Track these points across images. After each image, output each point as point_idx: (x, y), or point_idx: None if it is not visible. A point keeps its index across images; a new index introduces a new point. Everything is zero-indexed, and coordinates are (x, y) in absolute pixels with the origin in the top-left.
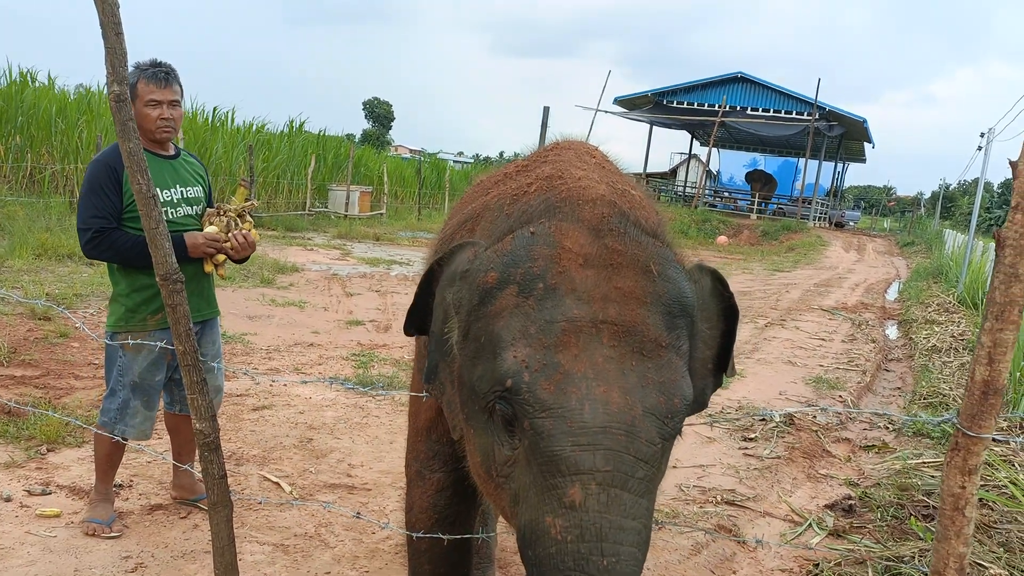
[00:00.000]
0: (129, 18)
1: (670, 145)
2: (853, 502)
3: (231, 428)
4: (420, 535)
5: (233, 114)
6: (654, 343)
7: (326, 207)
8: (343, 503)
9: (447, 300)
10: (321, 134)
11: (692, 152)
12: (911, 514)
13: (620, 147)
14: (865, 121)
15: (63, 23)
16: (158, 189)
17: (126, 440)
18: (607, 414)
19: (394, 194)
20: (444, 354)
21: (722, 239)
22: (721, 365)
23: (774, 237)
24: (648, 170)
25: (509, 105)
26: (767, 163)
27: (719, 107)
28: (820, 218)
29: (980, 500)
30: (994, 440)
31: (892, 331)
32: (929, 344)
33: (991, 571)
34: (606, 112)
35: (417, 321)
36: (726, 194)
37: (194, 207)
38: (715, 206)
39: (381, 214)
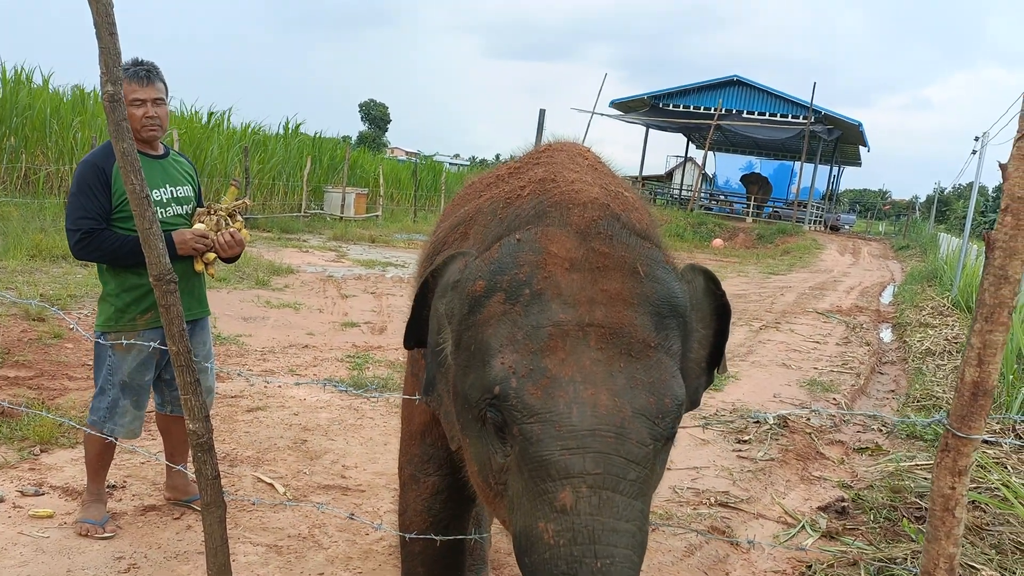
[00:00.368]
0: (123, 18)
1: (666, 148)
2: (846, 504)
3: (225, 429)
4: (414, 536)
5: (229, 115)
6: (642, 344)
7: (322, 209)
8: (337, 504)
9: (440, 311)
10: (317, 136)
11: (688, 155)
12: (904, 516)
13: (616, 150)
14: (860, 125)
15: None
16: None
17: (115, 439)
18: (595, 417)
19: (390, 196)
20: (439, 365)
21: (717, 242)
22: (713, 363)
23: (769, 240)
24: (644, 173)
25: (505, 108)
26: (763, 166)
27: (715, 110)
28: (815, 221)
29: (973, 502)
30: (986, 442)
31: (886, 334)
32: (923, 347)
33: (983, 573)
34: (602, 115)
35: (416, 334)
36: (722, 197)
37: (184, 207)
38: (711, 209)
39: (377, 216)
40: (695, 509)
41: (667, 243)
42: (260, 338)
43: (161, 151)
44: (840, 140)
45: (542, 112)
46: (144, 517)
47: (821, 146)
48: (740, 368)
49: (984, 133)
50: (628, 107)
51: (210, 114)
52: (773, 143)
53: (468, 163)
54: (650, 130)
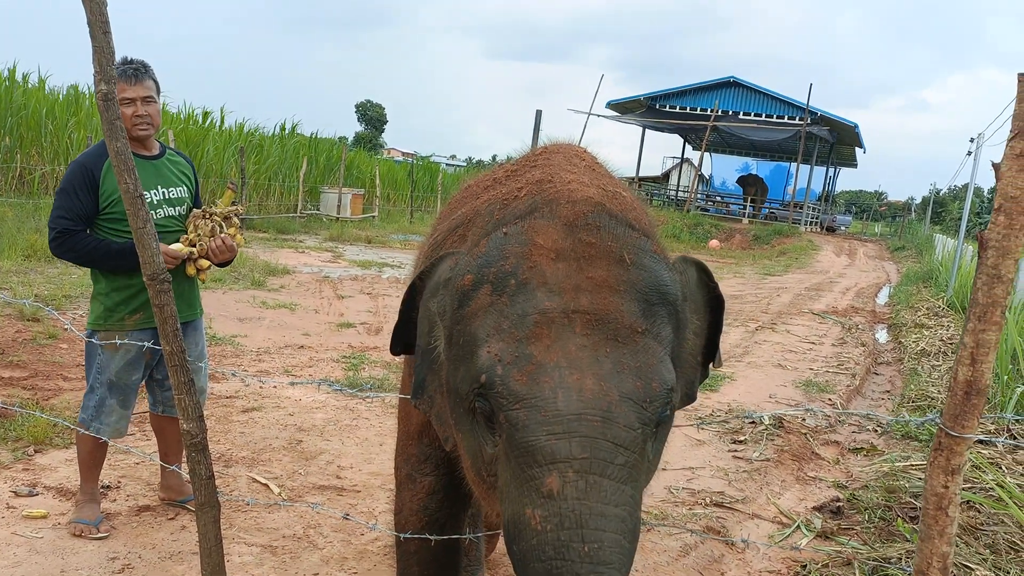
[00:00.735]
0: (123, 18)
1: (663, 149)
2: (841, 504)
3: (220, 429)
4: (409, 535)
5: (224, 116)
6: (629, 330)
7: (318, 209)
8: (332, 504)
9: (432, 311)
10: (313, 136)
11: (684, 156)
12: (898, 516)
13: (613, 151)
14: (856, 126)
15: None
16: None
17: (103, 439)
18: (581, 401)
19: (386, 197)
20: (431, 364)
21: (714, 243)
22: (708, 356)
23: (766, 241)
24: (641, 174)
25: (502, 108)
26: (759, 167)
27: (711, 111)
28: (811, 222)
29: (967, 502)
30: (981, 442)
31: (882, 335)
32: (918, 348)
33: (978, 572)
34: (599, 116)
35: (403, 337)
36: (718, 198)
37: (176, 208)
38: (707, 210)
39: (373, 217)
40: (690, 509)
41: (662, 238)
42: (255, 339)
43: (156, 150)
44: (836, 141)
45: (539, 113)
46: (138, 517)
47: (817, 147)
48: (736, 369)
49: (979, 134)
50: (625, 108)
51: (205, 114)
52: (769, 144)
53: (464, 164)
54: (646, 131)
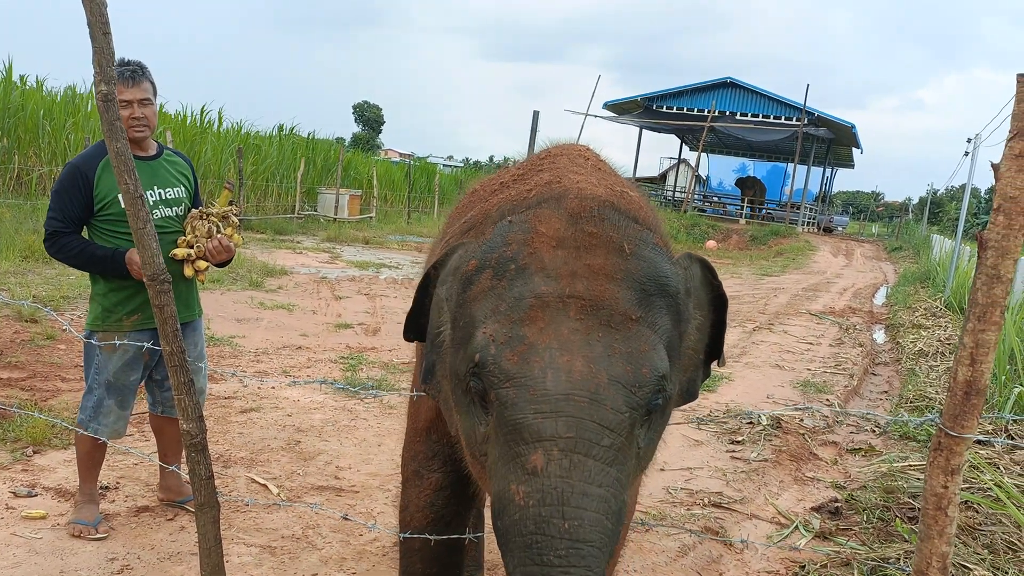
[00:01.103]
0: (115, 17)
1: (659, 150)
2: (839, 504)
3: (219, 430)
4: (410, 536)
5: (221, 116)
6: (623, 316)
7: (315, 210)
8: (331, 505)
9: (441, 296)
10: (311, 137)
11: (681, 157)
12: (897, 516)
13: (610, 152)
14: (853, 127)
15: (51, 22)
16: None
17: (101, 439)
18: (569, 382)
19: (383, 198)
20: (438, 348)
21: (711, 244)
22: (712, 355)
23: (763, 242)
24: (637, 175)
25: (499, 109)
26: (756, 168)
27: (708, 112)
28: (808, 223)
29: (965, 502)
30: (979, 442)
31: (879, 335)
32: (916, 348)
33: (976, 572)
34: (596, 117)
35: (415, 325)
36: (715, 199)
37: (173, 208)
38: (704, 211)
39: (370, 217)
40: (689, 510)
41: (667, 234)
42: (254, 339)
43: (152, 151)
44: (833, 142)
45: (536, 114)
46: (137, 518)
47: (814, 148)
48: (733, 369)
49: (976, 135)
50: (622, 109)
51: (203, 114)
52: (766, 145)
53: (462, 164)
54: (643, 132)
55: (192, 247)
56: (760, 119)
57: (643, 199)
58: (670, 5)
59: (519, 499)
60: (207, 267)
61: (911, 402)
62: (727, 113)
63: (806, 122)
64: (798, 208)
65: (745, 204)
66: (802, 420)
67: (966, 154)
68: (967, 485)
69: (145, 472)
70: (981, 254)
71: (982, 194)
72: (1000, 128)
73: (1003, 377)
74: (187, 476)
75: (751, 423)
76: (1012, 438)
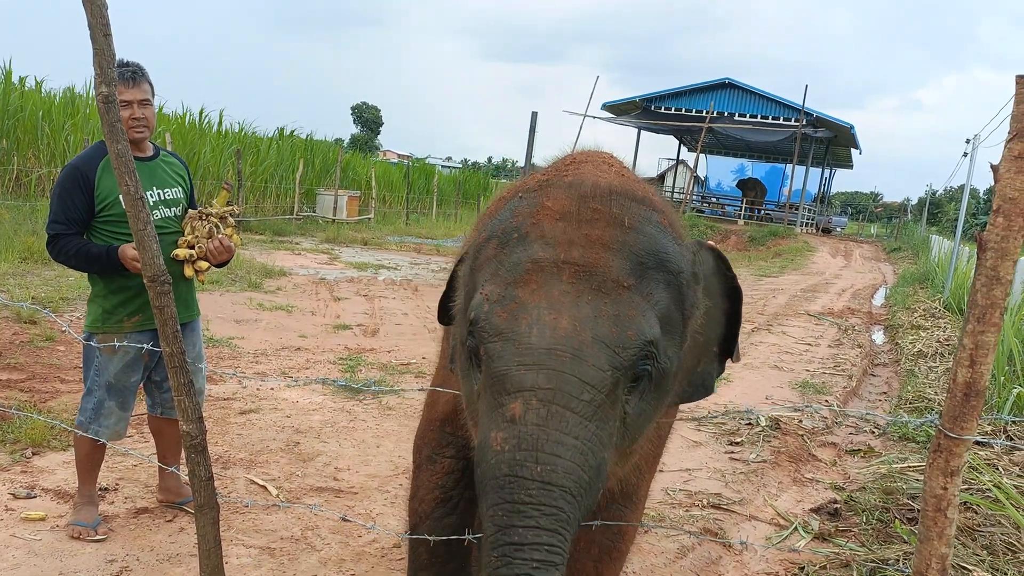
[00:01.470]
0: (115, 18)
1: (658, 151)
2: (838, 506)
3: (218, 431)
4: (415, 533)
5: (221, 117)
6: (614, 283)
7: (314, 211)
8: (329, 506)
9: (459, 275)
10: (309, 138)
11: (680, 158)
12: (896, 517)
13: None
14: (852, 127)
15: (50, 22)
16: None
17: (101, 441)
18: (554, 337)
19: (382, 199)
20: (455, 321)
21: (709, 244)
22: (726, 349)
23: (761, 243)
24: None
25: (497, 110)
26: (755, 169)
27: (707, 113)
28: (807, 224)
29: (964, 503)
30: (978, 443)
31: (878, 336)
32: (915, 349)
33: (975, 574)
34: (594, 117)
35: (446, 307)
36: (714, 200)
37: (172, 208)
38: (703, 212)
39: (369, 218)
40: (687, 511)
41: (682, 225)
42: (252, 340)
43: (150, 152)
44: (832, 142)
45: (534, 115)
46: (136, 519)
47: (813, 148)
48: (732, 370)
49: (975, 135)
50: (620, 109)
51: (201, 115)
52: (765, 145)
53: (460, 165)
54: (642, 132)
55: (193, 247)
56: (759, 120)
57: (664, 201)
58: (670, 5)
59: (496, 445)
60: (208, 267)
61: (910, 403)
62: (725, 114)
63: (805, 123)
64: (797, 209)
65: (745, 205)
66: (801, 421)
67: (965, 155)
68: (966, 486)
69: (144, 473)
70: (980, 255)
71: (981, 195)
72: (999, 129)
73: (1002, 378)
74: (186, 477)
75: (750, 424)
76: (1011, 439)
